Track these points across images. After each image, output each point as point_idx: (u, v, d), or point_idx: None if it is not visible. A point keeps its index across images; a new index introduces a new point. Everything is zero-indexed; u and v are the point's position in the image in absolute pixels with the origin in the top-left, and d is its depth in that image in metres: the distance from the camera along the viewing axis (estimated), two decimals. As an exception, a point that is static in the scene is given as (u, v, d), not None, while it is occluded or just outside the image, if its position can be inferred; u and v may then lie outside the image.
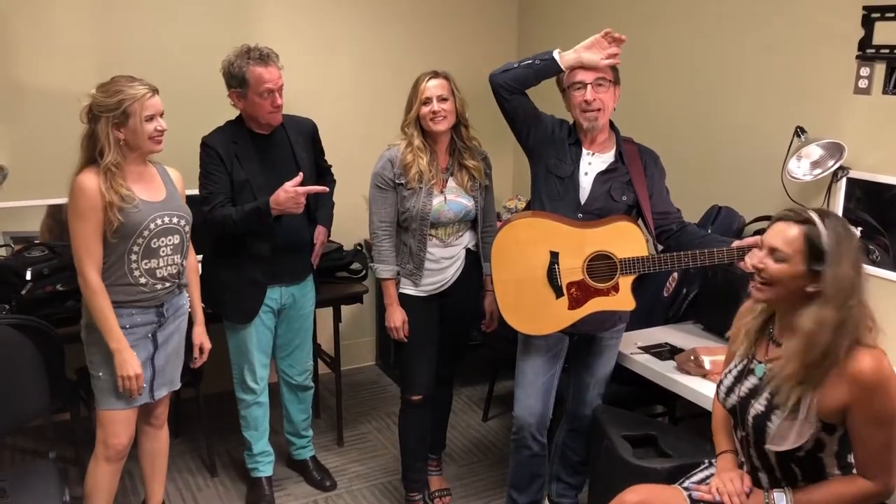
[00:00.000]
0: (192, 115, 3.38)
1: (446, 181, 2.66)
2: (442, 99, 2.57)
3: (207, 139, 2.69)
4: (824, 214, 1.74)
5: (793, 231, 1.73)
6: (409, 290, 2.70)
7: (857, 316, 1.70)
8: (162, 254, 2.35)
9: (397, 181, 2.62)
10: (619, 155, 2.46)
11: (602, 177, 2.44)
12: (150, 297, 2.35)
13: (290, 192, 2.52)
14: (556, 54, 2.37)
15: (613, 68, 2.41)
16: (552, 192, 2.46)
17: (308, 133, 2.88)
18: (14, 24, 3.17)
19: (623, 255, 2.37)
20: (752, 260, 1.76)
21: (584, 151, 2.46)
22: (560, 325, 2.46)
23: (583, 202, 2.43)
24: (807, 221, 1.72)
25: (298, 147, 2.80)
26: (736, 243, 2.31)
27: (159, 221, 2.32)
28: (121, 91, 2.23)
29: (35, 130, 3.25)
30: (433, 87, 2.56)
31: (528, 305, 2.44)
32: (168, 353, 2.45)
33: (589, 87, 2.36)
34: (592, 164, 2.45)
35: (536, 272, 2.42)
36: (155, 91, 2.30)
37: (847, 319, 1.68)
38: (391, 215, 2.66)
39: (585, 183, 2.44)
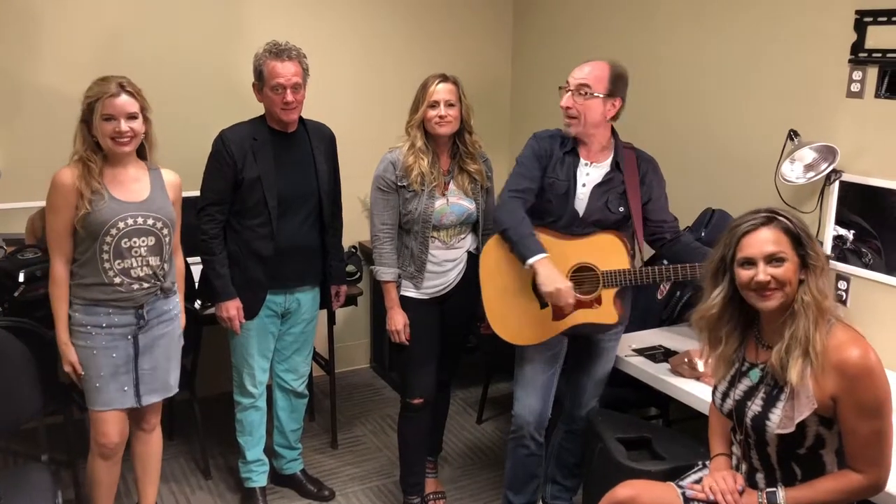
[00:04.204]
0: (190, 117, 3.41)
1: (447, 184, 2.67)
2: (449, 104, 2.57)
3: (225, 132, 2.68)
4: (770, 209, 1.81)
5: (774, 232, 1.77)
6: (410, 292, 2.70)
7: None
8: (135, 254, 2.34)
9: (399, 183, 2.62)
10: (616, 164, 2.45)
11: (598, 189, 2.44)
12: (126, 297, 2.34)
13: (228, 318, 2.70)
14: (535, 259, 2.32)
15: (613, 81, 2.37)
16: (551, 208, 2.48)
17: (328, 141, 2.86)
18: (7, 25, 3.16)
19: (606, 267, 2.38)
20: (756, 277, 1.77)
21: (582, 161, 2.46)
22: (545, 336, 2.47)
23: (581, 215, 2.44)
24: (771, 219, 1.78)
25: (319, 153, 2.79)
26: None
27: (130, 221, 2.31)
28: (91, 88, 2.26)
29: (28, 132, 3.24)
30: (442, 90, 2.56)
31: (514, 315, 2.46)
32: (155, 359, 2.43)
33: (569, 93, 2.36)
34: (590, 174, 2.45)
35: (523, 282, 2.44)
36: (123, 91, 2.26)
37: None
38: (393, 218, 2.66)
39: (582, 194, 2.45)
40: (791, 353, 1.74)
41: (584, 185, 2.45)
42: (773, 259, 1.76)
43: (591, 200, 2.43)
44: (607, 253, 2.40)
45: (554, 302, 2.32)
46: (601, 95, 2.36)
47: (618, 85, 2.39)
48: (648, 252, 2.78)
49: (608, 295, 2.40)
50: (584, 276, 2.42)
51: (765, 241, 1.77)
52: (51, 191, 2.28)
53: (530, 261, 2.33)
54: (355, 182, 3.23)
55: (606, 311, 2.42)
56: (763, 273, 1.76)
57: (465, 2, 4.15)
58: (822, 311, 1.73)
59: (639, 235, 2.46)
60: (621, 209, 2.44)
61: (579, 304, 2.42)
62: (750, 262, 1.78)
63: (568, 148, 2.46)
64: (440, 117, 2.56)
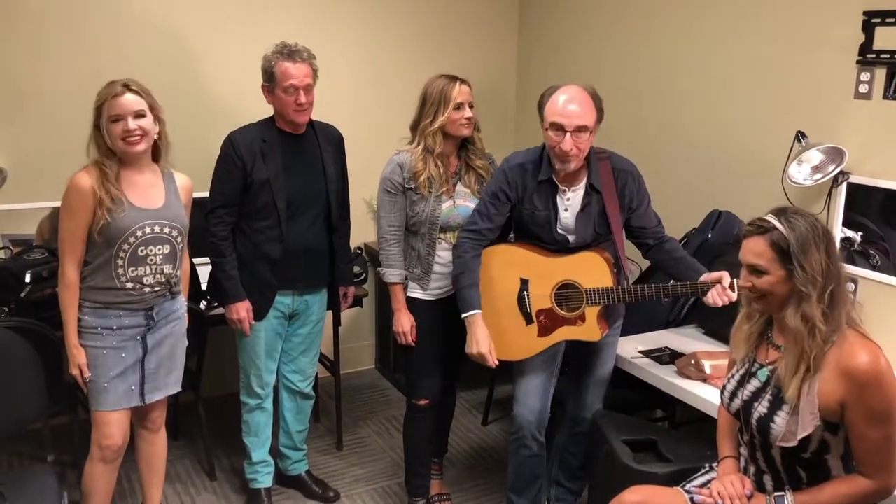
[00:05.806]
0: (195, 118, 3.41)
1: (455, 185, 2.67)
2: (470, 105, 2.58)
3: (233, 134, 2.68)
4: (782, 213, 1.79)
5: (759, 243, 1.78)
6: (417, 294, 2.70)
7: (840, 298, 1.75)
8: (150, 262, 2.33)
9: (407, 185, 2.62)
10: (590, 186, 2.41)
11: (582, 214, 2.43)
12: (137, 300, 2.34)
13: (238, 320, 2.70)
14: (466, 316, 2.42)
15: (599, 110, 2.33)
16: (534, 235, 2.47)
17: (336, 142, 2.87)
18: (13, 26, 3.17)
19: (589, 284, 2.38)
20: (739, 281, 1.85)
21: (560, 188, 2.43)
22: (531, 352, 2.49)
23: (571, 242, 2.44)
24: (768, 230, 1.78)
25: (327, 155, 2.79)
26: (702, 277, 2.32)
27: (148, 230, 2.31)
28: (98, 93, 2.26)
29: (35, 133, 3.24)
30: (465, 92, 2.57)
31: (501, 330, 2.47)
32: (160, 358, 2.43)
33: (568, 135, 2.28)
34: (571, 199, 2.44)
35: (508, 298, 2.46)
36: (128, 90, 2.24)
37: (832, 303, 1.73)
38: (400, 220, 2.66)
39: (566, 219, 2.43)
40: (789, 370, 1.76)
41: (566, 209, 2.44)
42: (752, 269, 1.80)
43: (578, 227, 2.43)
44: (591, 271, 2.40)
45: (477, 361, 2.43)
46: (594, 127, 2.33)
47: (600, 110, 2.36)
48: (636, 256, 2.76)
49: (592, 312, 2.41)
50: (568, 293, 2.43)
51: (749, 250, 1.81)
52: (68, 193, 2.26)
53: (463, 315, 2.43)
54: (360, 183, 3.23)
55: (590, 329, 2.42)
56: (744, 279, 1.83)
57: (471, 1, 4.15)
58: (814, 333, 1.72)
59: (620, 251, 2.45)
60: (608, 227, 2.44)
61: (563, 321, 2.44)
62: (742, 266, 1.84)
63: (544, 177, 2.41)
64: (467, 119, 2.57)
